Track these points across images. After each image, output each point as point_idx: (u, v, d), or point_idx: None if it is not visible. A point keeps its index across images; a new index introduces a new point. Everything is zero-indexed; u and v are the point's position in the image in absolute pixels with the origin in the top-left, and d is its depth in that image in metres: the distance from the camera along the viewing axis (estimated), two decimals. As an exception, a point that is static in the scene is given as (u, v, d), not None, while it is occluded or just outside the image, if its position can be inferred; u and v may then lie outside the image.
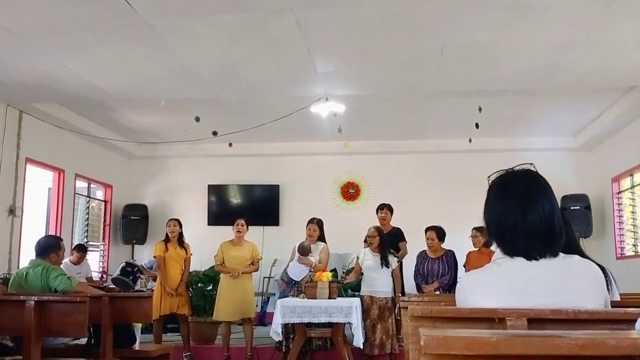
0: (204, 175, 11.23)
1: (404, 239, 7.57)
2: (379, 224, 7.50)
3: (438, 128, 9.84)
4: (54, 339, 4.76)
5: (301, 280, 6.90)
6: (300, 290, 6.83)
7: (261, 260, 7.30)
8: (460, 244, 7.28)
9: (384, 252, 6.83)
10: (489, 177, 1.99)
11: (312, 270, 6.89)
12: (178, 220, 7.35)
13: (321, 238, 7.11)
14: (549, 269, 1.74)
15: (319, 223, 7.12)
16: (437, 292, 6.79)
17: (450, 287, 7.04)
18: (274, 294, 9.56)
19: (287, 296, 6.82)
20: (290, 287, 6.98)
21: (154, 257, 7.38)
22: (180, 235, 7.31)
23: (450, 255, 7.10)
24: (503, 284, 1.76)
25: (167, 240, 7.24)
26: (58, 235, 8.37)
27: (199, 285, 7.94)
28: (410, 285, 7.44)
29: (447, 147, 10.46)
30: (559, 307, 1.66)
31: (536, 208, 1.78)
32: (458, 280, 7.37)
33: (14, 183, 8.14)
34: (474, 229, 7.13)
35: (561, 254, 1.78)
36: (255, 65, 6.60)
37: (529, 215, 1.77)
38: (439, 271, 7.02)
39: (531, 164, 1.99)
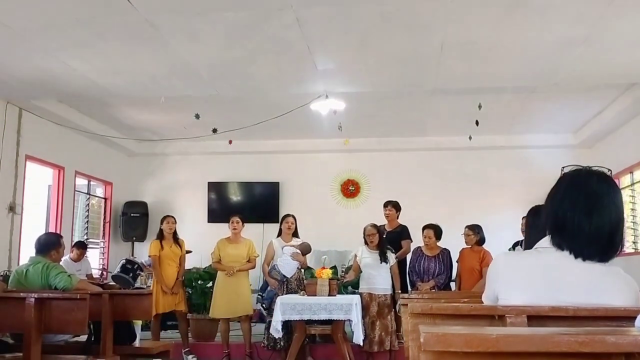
0: (203, 173, 11.23)
1: (408, 237, 7.54)
2: (385, 221, 7.52)
3: (438, 125, 9.84)
4: (54, 336, 4.77)
5: (291, 277, 6.92)
6: (289, 286, 6.85)
7: (257, 257, 7.29)
8: (459, 241, 7.28)
9: (382, 248, 6.84)
10: (563, 167, 1.95)
11: (300, 267, 6.92)
12: (174, 217, 7.33)
13: (295, 234, 7.15)
14: (589, 272, 1.72)
15: (294, 218, 7.16)
16: (433, 291, 6.80)
17: (445, 286, 7.06)
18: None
19: (277, 294, 6.81)
20: (281, 284, 6.97)
21: (149, 256, 7.29)
22: (175, 232, 7.28)
23: (446, 255, 7.12)
24: (537, 272, 1.76)
25: (161, 238, 7.18)
26: (58, 232, 8.38)
27: (199, 282, 7.94)
28: (405, 282, 7.43)
29: (447, 145, 10.46)
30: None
31: (604, 213, 1.75)
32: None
33: (14, 180, 8.14)
34: (467, 227, 7.14)
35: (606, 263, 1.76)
36: (255, 63, 6.59)
37: (594, 219, 1.74)
38: (435, 270, 7.02)
39: (609, 170, 1.95)
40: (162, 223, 7.24)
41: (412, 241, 7.54)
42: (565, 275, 1.73)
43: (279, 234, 7.19)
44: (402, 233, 7.52)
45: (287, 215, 7.23)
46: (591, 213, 1.75)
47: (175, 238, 7.26)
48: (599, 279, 1.73)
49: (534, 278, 1.75)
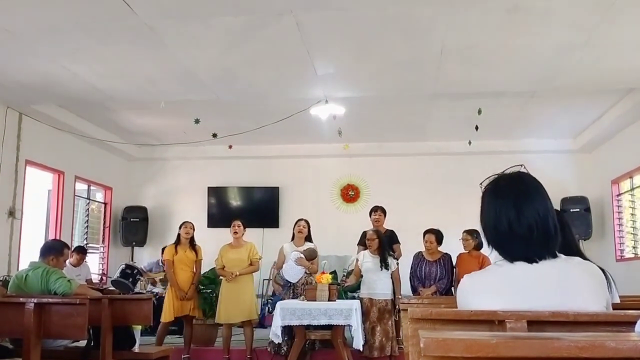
0: (203, 177, 11.23)
1: (397, 242, 7.58)
2: (372, 227, 7.52)
3: (438, 130, 9.85)
4: (53, 341, 4.76)
5: (296, 282, 6.90)
6: (296, 292, 6.82)
7: (261, 259, 7.26)
8: (459, 246, 7.28)
9: (383, 254, 6.83)
10: (481, 183, 1.99)
11: (307, 272, 6.89)
12: (192, 223, 7.33)
13: (308, 238, 7.13)
14: (550, 270, 1.73)
15: (307, 222, 7.14)
16: (434, 296, 6.78)
17: (447, 291, 7.05)
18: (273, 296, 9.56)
19: (283, 298, 6.80)
20: (286, 289, 6.95)
21: (163, 260, 7.30)
22: (192, 238, 7.29)
23: (447, 259, 7.11)
24: (505, 285, 1.76)
25: (177, 243, 7.19)
26: (59, 238, 8.38)
27: (200, 287, 7.92)
28: (405, 287, 7.42)
29: (446, 150, 10.47)
30: (561, 308, 1.65)
31: (530, 210, 1.78)
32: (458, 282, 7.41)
33: (14, 185, 8.14)
34: (465, 231, 7.15)
35: (562, 256, 1.77)
36: (255, 68, 6.60)
37: (523, 218, 1.77)
38: (437, 275, 7.02)
39: (521, 165, 1.99)
40: (179, 228, 7.26)
41: (400, 244, 7.56)
42: (530, 281, 1.73)
43: (292, 238, 7.18)
44: (391, 238, 7.52)
45: (299, 220, 7.20)
46: (519, 215, 1.78)
47: (192, 244, 7.26)
48: (563, 276, 1.73)
49: (503, 292, 1.75)
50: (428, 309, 1.86)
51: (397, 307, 6.77)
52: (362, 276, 6.94)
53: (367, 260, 6.89)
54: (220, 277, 7.28)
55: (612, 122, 8.74)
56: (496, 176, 1.95)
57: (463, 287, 1.87)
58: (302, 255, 6.87)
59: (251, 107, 8.51)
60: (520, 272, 1.75)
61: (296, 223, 7.19)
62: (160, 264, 9.21)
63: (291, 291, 6.88)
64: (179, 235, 7.23)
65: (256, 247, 7.25)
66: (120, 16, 5.17)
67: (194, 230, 7.28)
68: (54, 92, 7.41)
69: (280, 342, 6.41)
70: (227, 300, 6.90)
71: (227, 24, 5.44)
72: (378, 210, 7.71)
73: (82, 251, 8.75)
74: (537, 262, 1.74)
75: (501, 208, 1.82)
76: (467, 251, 7.13)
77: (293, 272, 6.89)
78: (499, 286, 1.77)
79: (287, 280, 6.92)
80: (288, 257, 6.96)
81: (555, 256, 1.76)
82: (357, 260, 7.10)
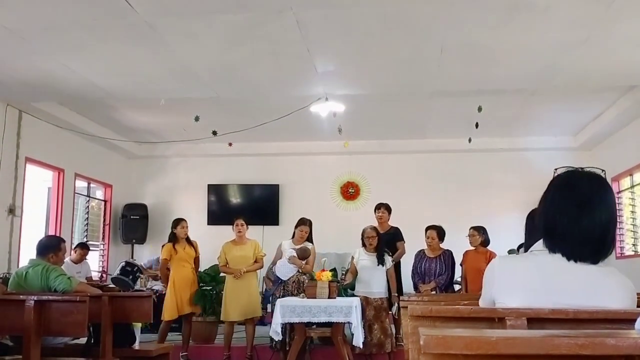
0: (203, 175, 11.23)
1: (402, 239, 7.54)
2: (376, 224, 7.51)
3: (438, 128, 9.84)
4: (53, 339, 4.76)
5: (287, 279, 6.91)
6: (287, 289, 6.85)
7: (265, 256, 7.26)
8: (459, 243, 7.28)
9: (381, 251, 6.83)
10: (555, 169, 1.95)
11: (299, 270, 6.91)
12: (186, 220, 7.31)
13: (309, 238, 7.13)
14: (584, 273, 1.72)
15: (310, 224, 7.13)
16: (434, 292, 6.79)
17: (447, 287, 7.06)
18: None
19: (274, 294, 6.83)
20: (277, 285, 6.97)
21: (162, 259, 7.25)
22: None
23: (448, 255, 7.11)
24: (533, 274, 1.75)
25: (174, 241, 7.14)
26: (59, 235, 8.37)
27: (200, 284, 7.93)
28: (408, 284, 7.43)
29: (447, 147, 10.47)
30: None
31: (594, 214, 1.74)
32: (454, 277, 7.42)
33: (14, 182, 8.14)
34: (472, 228, 7.16)
35: (601, 264, 1.75)
36: (255, 65, 6.59)
37: (584, 220, 1.73)
38: (437, 270, 7.02)
39: (603, 170, 1.93)
40: (175, 227, 7.16)
41: (405, 242, 7.55)
42: (560, 278, 1.73)
43: (293, 236, 7.17)
44: (395, 235, 7.50)
45: (303, 223, 7.12)
46: (581, 214, 1.74)
47: (189, 240, 7.25)
48: (595, 280, 1.72)
49: (530, 281, 1.75)
50: (428, 307, 1.86)
51: (394, 304, 6.77)
52: (357, 274, 6.94)
53: (363, 258, 6.89)
54: (223, 275, 7.28)
55: (612, 120, 8.74)
56: (573, 169, 1.89)
57: (494, 267, 1.86)
58: (295, 255, 6.89)
59: (251, 104, 8.51)
60: (554, 266, 1.74)
61: (298, 226, 7.13)
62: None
63: (282, 288, 6.91)
64: (174, 233, 7.15)
65: (260, 245, 7.26)
66: (120, 13, 5.16)
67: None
68: (54, 90, 7.40)
69: (279, 339, 6.41)
70: (232, 298, 6.90)
71: (228, 21, 5.43)
72: (382, 208, 7.69)
73: (84, 247, 8.76)
74: (575, 261, 1.72)
75: (566, 202, 1.78)
76: (472, 248, 7.13)
77: (285, 270, 6.92)
78: (528, 275, 1.76)
79: (277, 277, 6.94)
80: (285, 254, 6.97)
81: (596, 263, 1.74)
82: (353, 258, 7.10)
